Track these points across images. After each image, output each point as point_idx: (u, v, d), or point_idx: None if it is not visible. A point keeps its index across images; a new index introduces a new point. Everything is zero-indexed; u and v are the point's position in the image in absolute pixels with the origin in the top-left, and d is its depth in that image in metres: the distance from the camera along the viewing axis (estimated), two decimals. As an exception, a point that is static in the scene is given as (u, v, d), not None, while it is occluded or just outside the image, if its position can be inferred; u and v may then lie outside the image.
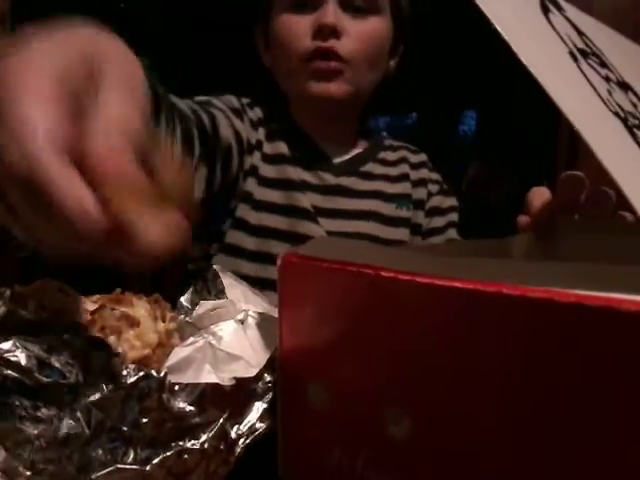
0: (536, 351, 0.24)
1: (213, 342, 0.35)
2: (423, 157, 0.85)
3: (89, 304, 0.40)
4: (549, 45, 0.29)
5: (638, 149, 0.27)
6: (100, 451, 0.29)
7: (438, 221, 0.81)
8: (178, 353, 0.33)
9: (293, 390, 0.33)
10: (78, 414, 0.29)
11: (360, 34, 0.69)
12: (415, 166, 0.82)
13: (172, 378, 0.30)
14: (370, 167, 0.79)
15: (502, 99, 2.25)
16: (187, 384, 0.31)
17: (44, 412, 0.29)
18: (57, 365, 0.29)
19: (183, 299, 0.47)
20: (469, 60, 2.19)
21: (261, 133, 0.74)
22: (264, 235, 0.71)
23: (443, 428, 0.27)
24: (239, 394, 0.33)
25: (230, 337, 0.37)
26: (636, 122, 0.29)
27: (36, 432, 0.29)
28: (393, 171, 0.80)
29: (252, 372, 0.34)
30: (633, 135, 0.28)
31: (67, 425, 0.29)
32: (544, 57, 0.27)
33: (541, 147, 1.82)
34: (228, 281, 0.46)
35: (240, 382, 0.33)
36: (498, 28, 0.25)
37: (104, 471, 0.28)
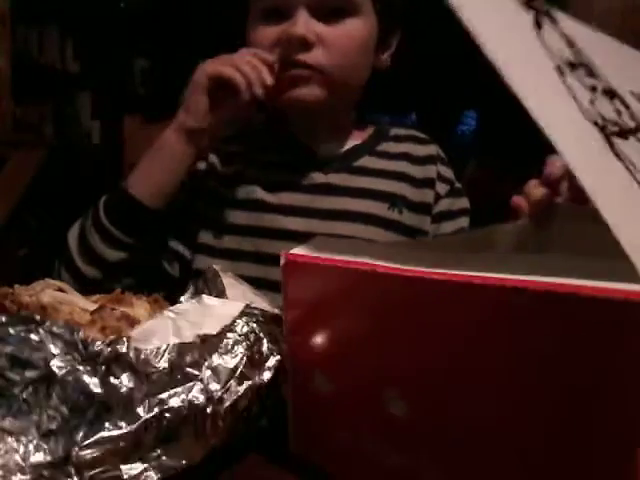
0: (536, 346, 0.25)
1: (172, 315, 0.36)
2: (432, 149, 0.79)
3: (89, 304, 0.40)
4: (535, 61, 0.29)
5: (612, 156, 0.27)
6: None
7: (447, 226, 0.76)
8: (141, 326, 0.34)
9: (301, 377, 0.36)
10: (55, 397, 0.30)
11: (335, 40, 0.66)
12: (420, 161, 0.77)
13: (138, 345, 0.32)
14: (364, 161, 0.75)
15: (502, 99, 2.25)
16: (156, 347, 0.32)
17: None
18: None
19: (183, 299, 0.47)
20: (469, 60, 2.19)
21: (212, 157, 0.75)
22: (237, 258, 0.71)
23: (438, 409, 0.29)
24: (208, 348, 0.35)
25: (190, 311, 0.37)
26: (615, 129, 0.29)
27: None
28: (391, 166, 0.75)
29: (216, 329, 0.36)
30: (610, 143, 0.28)
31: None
32: (528, 74, 0.28)
33: (541, 147, 1.81)
34: (228, 281, 0.46)
35: (206, 337, 0.34)
36: (484, 46, 0.25)
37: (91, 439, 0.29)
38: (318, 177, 0.73)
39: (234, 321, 0.37)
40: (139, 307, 0.41)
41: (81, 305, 0.39)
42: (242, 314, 0.37)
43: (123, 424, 0.30)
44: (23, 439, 0.29)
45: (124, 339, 0.31)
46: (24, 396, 0.30)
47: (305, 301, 0.35)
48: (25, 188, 1.87)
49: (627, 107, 0.30)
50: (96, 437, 0.29)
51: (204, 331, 0.35)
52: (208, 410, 0.33)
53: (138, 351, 0.31)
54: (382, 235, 0.72)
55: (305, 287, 0.34)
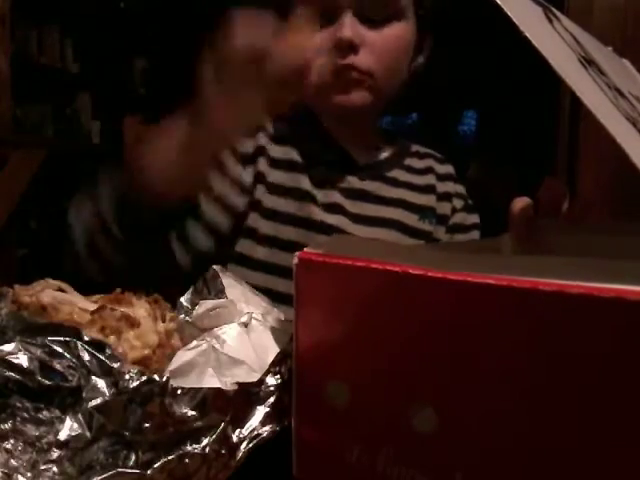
0: (554, 346, 0.25)
1: (216, 346, 0.35)
2: (450, 168, 0.82)
3: (89, 304, 0.40)
4: (563, 51, 0.29)
5: None
6: (101, 454, 0.29)
7: (459, 239, 0.78)
8: (181, 357, 0.33)
9: (310, 389, 0.33)
10: (80, 417, 0.29)
11: (380, 45, 0.66)
12: (441, 178, 0.80)
13: (175, 382, 0.30)
14: (396, 173, 0.77)
15: (502, 99, 2.25)
16: (189, 389, 0.30)
17: (45, 414, 0.29)
18: (59, 368, 0.29)
19: (183, 299, 0.47)
20: (469, 60, 2.19)
21: (262, 139, 0.72)
22: (274, 245, 0.69)
23: (468, 421, 0.27)
24: (241, 398, 0.33)
25: (234, 341, 0.36)
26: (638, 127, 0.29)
27: (37, 434, 0.29)
28: (419, 180, 0.78)
29: (255, 377, 0.34)
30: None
31: (68, 427, 0.29)
32: (567, 62, 0.28)
33: (541, 147, 1.82)
34: (228, 281, 0.46)
35: (242, 387, 0.33)
36: (528, 36, 0.25)
37: (105, 474, 0.28)
38: (354, 182, 0.74)
39: (274, 364, 0.35)
40: (139, 307, 0.40)
41: (81, 305, 0.39)
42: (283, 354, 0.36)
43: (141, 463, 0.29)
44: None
45: (164, 378, 0.30)
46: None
47: (320, 304, 0.32)
48: (25, 188, 1.87)
49: (633, 107, 0.30)
50: (111, 472, 0.28)
51: (242, 379, 0.34)
52: (224, 458, 0.32)
53: (174, 395, 0.30)
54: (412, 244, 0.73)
55: (321, 289, 0.32)
